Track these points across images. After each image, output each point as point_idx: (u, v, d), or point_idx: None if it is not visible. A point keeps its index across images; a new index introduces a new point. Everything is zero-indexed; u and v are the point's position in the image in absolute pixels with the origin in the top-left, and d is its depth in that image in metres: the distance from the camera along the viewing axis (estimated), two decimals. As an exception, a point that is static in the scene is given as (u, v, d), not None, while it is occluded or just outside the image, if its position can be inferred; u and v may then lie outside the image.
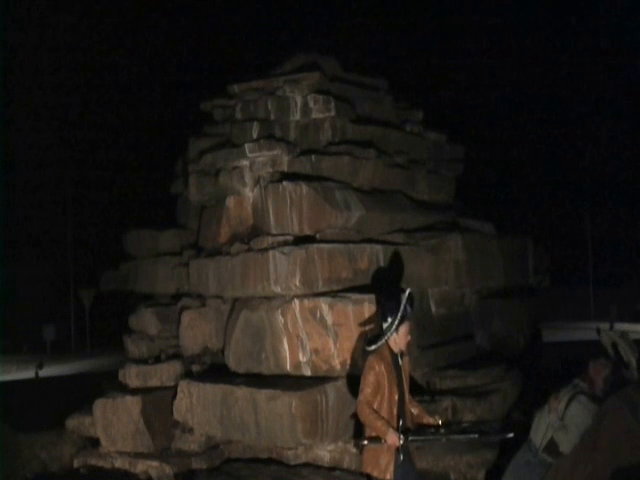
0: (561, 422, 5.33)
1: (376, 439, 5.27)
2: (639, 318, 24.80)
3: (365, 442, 5.39)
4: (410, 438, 5.28)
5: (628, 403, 4.92)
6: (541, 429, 5.46)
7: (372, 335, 5.65)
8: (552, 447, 5.40)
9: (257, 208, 7.88)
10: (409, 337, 5.49)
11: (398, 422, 5.28)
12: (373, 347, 5.41)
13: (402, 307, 5.38)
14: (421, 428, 5.52)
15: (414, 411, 5.59)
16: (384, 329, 5.42)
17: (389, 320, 5.39)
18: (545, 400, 5.57)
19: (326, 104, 8.11)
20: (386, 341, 5.40)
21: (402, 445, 5.20)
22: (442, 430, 5.56)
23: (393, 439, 5.17)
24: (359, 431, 5.68)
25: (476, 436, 5.62)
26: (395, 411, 5.33)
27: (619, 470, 4.70)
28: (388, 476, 5.26)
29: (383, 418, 5.24)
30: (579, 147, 33.05)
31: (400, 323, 5.37)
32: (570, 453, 5.21)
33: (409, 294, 5.49)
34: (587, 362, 5.57)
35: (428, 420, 5.57)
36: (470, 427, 6.23)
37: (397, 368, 5.41)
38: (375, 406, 5.29)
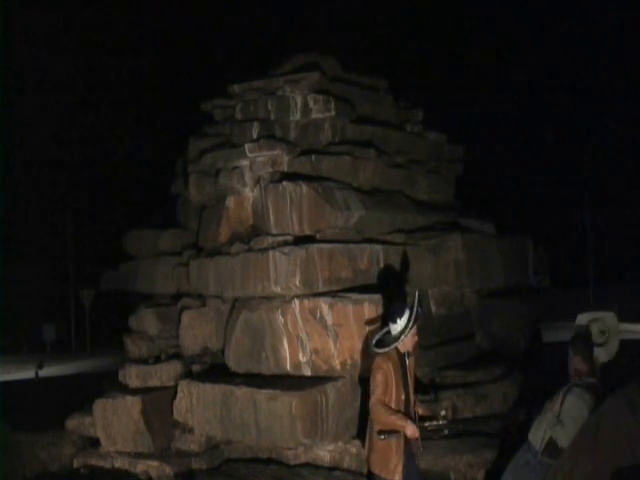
0: (557, 418, 5.35)
1: (392, 433, 5.30)
2: (639, 318, 24.76)
3: (383, 436, 5.38)
4: (427, 424, 5.37)
5: (628, 403, 4.91)
6: (540, 431, 5.47)
7: (379, 335, 5.61)
8: (552, 447, 5.41)
9: (257, 208, 7.88)
10: (416, 338, 5.51)
11: (412, 416, 5.33)
12: (386, 349, 5.40)
13: (414, 311, 5.39)
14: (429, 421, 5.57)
15: (418, 411, 5.60)
16: (395, 332, 5.40)
17: (399, 322, 5.37)
18: (544, 402, 5.59)
19: (326, 104, 8.11)
20: None
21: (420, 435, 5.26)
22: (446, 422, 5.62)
23: (412, 430, 5.22)
24: (360, 431, 5.68)
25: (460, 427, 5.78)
26: (402, 410, 5.35)
27: (619, 470, 4.70)
28: (397, 477, 5.29)
29: (398, 411, 5.28)
30: (579, 147, 33.04)
31: (413, 325, 5.38)
32: (570, 453, 5.21)
33: (419, 296, 5.50)
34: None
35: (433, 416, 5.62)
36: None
37: (404, 368, 5.44)
38: None
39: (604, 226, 33.05)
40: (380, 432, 5.38)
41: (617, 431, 4.80)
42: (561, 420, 5.33)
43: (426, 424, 5.42)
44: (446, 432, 5.60)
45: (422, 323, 5.84)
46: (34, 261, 30.39)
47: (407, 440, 5.37)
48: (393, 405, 5.33)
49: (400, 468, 5.29)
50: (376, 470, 5.42)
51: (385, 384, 5.32)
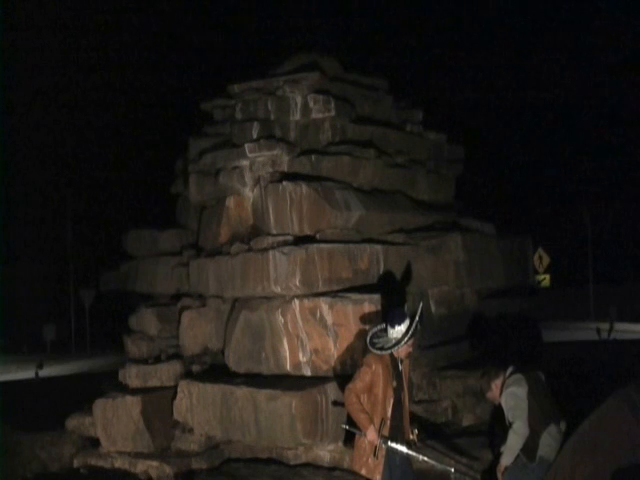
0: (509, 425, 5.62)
1: (359, 429, 5.32)
2: (639, 318, 24.77)
3: (345, 427, 5.53)
4: (390, 444, 5.27)
5: (628, 403, 4.91)
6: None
7: (375, 330, 5.58)
8: (526, 448, 5.51)
9: (257, 208, 7.89)
10: (411, 349, 5.53)
11: (382, 425, 5.27)
12: (379, 353, 5.38)
13: (415, 324, 5.38)
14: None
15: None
16: (392, 338, 5.38)
17: (397, 329, 5.36)
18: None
19: (326, 104, 8.11)
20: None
21: (378, 447, 5.21)
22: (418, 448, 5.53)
23: (372, 435, 5.20)
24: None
25: (452, 470, 5.77)
26: (389, 414, 5.32)
27: (619, 470, 4.69)
28: (377, 477, 5.27)
29: (366, 412, 5.26)
30: (579, 146, 33.08)
31: (410, 338, 5.37)
32: (570, 454, 5.21)
33: (421, 311, 5.49)
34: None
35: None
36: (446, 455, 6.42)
37: (397, 373, 5.41)
38: (368, 407, 5.30)
39: (604, 226, 33.03)
40: (346, 424, 5.51)
41: (617, 431, 4.80)
42: (511, 422, 5.56)
43: (390, 444, 5.32)
44: (421, 458, 5.57)
45: (419, 335, 5.86)
46: (34, 261, 30.39)
47: (404, 443, 5.37)
48: (379, 408, 5.30)
49: (381, 467, 5.25)
50: (356, 467, 5.42)
51: (369, 384, 5.31)
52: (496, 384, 5.75)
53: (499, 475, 5.66)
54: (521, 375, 5.65)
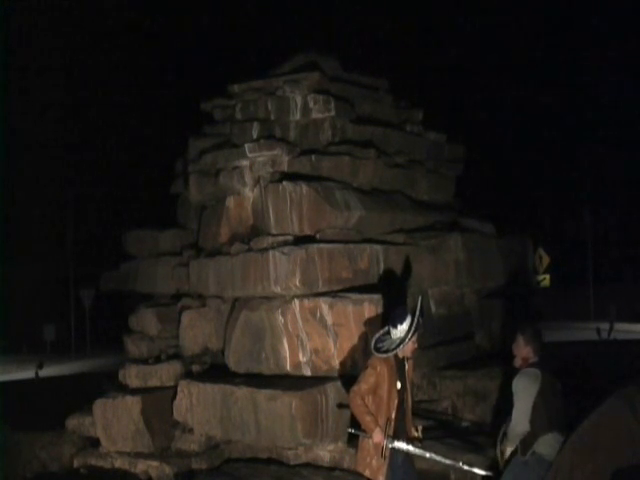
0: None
1: (364, 431, 5.32)
2: (639, 318, 24.75)
3: (351, 430, 5.51)
4: (396, 443, 5.27)
5: (628, 403, 4.91)
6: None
7: (378, 335, 5.58)
8: (523, 443, 5.49)
9: (257, 208, 7.89)
10: (416, 345, 5.50)
11: (387, 425, 5.27)
12: (384, 356, 5.37)
13: (416, 320, 5.37)
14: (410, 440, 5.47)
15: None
16: (395, 338, 5.37)
17: (400, 328, 5.34)
18: None
19: (326, 104, 8.12)
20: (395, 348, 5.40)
21: (384, 447, 5.21)
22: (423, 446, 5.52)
23: (379, 437, 5.19)
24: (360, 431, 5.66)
25: (460, 464, 5.73)
26: (393, 415, 5.32)
27: (619, 470, 4.69)
28: (381, 478, 5.26)
29: (372, 414, 5.26)
30: (579, 147, 33.07)
31: (413, 334, 5.37)
32: (570, 453, 5.21)
33: (421, 305, 5.48)
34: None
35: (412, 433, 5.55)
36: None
37: (401, 373, 5.41)
38: (373, 408, 5.30)
39: (604, 226, 33.05)
40: (352, 427, 5.51)
41: (617, 431, 4.80)
42: (514, 407, 5.49)
43: (396, 444, 5.34)
44: (428, 455, 5.56)
45: (422, 330, 5.84)
46: (34, 261, 30.37)
47: (408, 442, 5.37)
48: (383, 409, 5.30)
49: (384, 469, 5.25)
50: (360, 469, 5.41)
51: (374, 385, 5.31)
52: (522, 345, 5.71)
53: (498, 453, 5.69)
54: (539, 372, 5.53)
